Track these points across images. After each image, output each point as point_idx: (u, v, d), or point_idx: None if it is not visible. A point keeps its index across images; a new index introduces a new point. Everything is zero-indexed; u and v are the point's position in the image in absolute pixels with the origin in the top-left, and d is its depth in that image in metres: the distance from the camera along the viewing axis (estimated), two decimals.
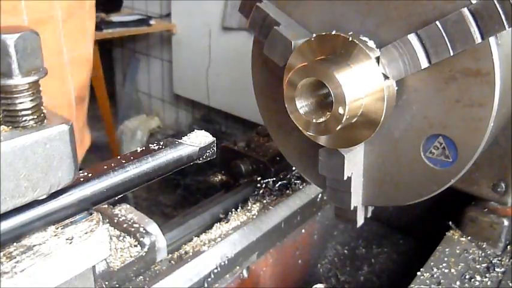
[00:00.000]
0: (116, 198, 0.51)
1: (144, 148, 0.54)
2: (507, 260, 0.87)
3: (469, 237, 0.92)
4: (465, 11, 0.55)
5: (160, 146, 0.54)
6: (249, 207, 0.97)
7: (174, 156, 0.54)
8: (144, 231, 0.78)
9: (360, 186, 0.74)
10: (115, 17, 3.58)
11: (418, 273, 0.84)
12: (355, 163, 0.72)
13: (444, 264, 0.86)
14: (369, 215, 0.82)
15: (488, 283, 0.82)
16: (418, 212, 1.15)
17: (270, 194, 1.02)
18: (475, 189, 0.91)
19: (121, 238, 0.77)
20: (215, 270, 0.83)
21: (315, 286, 0.87)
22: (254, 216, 0.94)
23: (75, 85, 1.26)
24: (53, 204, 0.44)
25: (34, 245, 0.43)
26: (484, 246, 0.90)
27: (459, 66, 0.60)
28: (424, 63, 0.59)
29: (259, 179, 1.04)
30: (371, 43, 0.64)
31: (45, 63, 0.41)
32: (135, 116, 4.30)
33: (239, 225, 0.91)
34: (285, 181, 1.05)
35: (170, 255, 0.83)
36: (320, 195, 1.07)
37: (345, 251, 1.18)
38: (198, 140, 0.58)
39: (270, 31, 0.69)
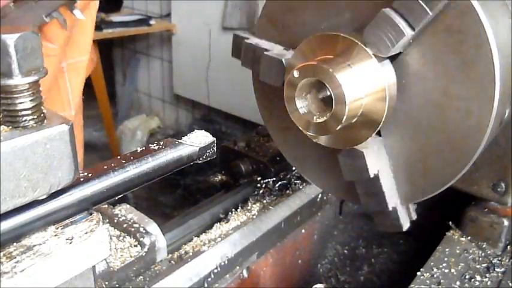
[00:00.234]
0: (116, 198, 0.51)
1: (144, 148, 0.54)
2: (507, 260, 0.87)
3: (469, 237, 0.92)
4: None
5: (160, 146, 0.54)
6: (249, 207, 0.97)
7: (174, 156, 0.54)
8: (144, 231, 0.78)
9: (392, 184, 0.70)
10: (115, 17, 3.58)
11: (418, 273, 0.83)
12: (378, 159, 0.68)
13: (444, 264, 0.86)
14: (414, 216, 0.76)
15: (488, 283, 0.82)
16: (418, 212, 1.15)
17: (270, 194, 1.02)
18: (475, 189, 0.91)
19: (121, 238, 0.77)
20: (215, 270, 0.83)
21: (315, 286, 0.87)
22: (254, 216, 0.94)
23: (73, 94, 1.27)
24: (53, 204, 0.44)
25: (34, 245, 0.42)
26: (484, 246, 0.90)
27: (448, 30, 0.60)
28: (407, 31, 0.58)
29: (259, 179, 1.04)
30: None
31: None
32: (135, 116, 4.29)
33: (239, 225, 0.91)
34: (285, 181, 1.05)
35: (170, 255, 0.83)
36: (320, 195, 1.07)
37: (345, 251, 1.18)
38: (198, 140, 0.58)
39: (259, 58, 0.72)
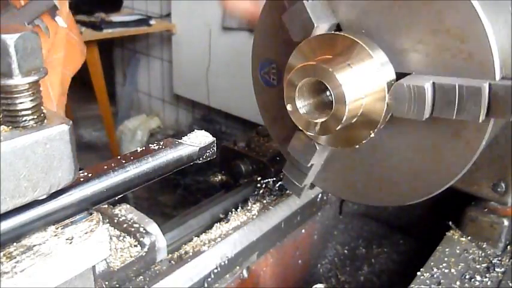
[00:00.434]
0: (116, 198, 0.51)
1: (144, 148, 0.54)
2: (507, 260, 0.87)
3: (469, 237, 0.92)
4: (486, 87, 0.55)
5: (160, 146, 0.54)
6: (249, 207, 0.97)
7: (174, 156, 0.54)
8: (144, 231, 0.78)
9: (316, 171, 0.78)
10: (115, 17, 3.58)
11: (418, 273, 0.83)
12: (321, 154, 0.74)
13: (444, 264, 0.86)
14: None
15: (488, 283, 0.82)
16: (418, 212, 1.15)
17: (270, 194, 1.02)
18: (475, 189, 0.91)
19: (121, 238, 0.77)
20: (215, 270, 0.83)
21: (315, 286, 0.87)
22: (254, 216, 0.94)
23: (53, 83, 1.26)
24: (53, 204, 0.44)
25: (34, 245, 0.42)
26: (484, 246, 0.90)
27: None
28: (426, 115, 0.58)
29: (259, 179, 1.04)
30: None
31: None
32: (135, 116, 4.30)
33: (239, 225, 0.91)
34: None
35: (170, 255, 0.83)
36: (320, 195, 1.07)
37: (345, 251, 1.18)
38: (198, 140, 0.58)
39: None
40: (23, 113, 0.40)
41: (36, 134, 0.40)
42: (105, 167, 0.49)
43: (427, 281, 0.82)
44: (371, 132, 0.64)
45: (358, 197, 0.79)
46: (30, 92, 0.40)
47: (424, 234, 1.07)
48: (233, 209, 0.96)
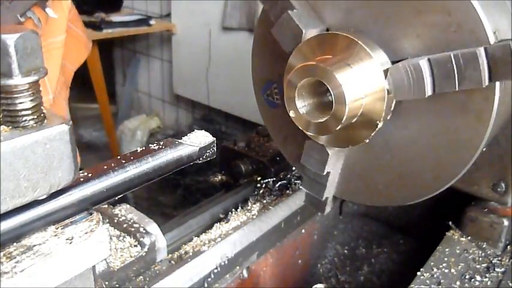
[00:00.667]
0: (116, 198, 0.50)
1: (144, 148, 0.54)
2: (507, 260, 0.87)
3: (469, 237, 0.92)
4: (481, 50, 0.55)
5: (160, 146, 0.54)
6: (249, 207, 0.97)
7: (174, 156, 0.54)
8: (144, 231, 0.78)
9: (335, 181, 0.77)
10: (115, 17, 3.58)
11: (418, 273, 0.83)
12: (336, 161, 0.73)
13: (444, 264, 0.86)
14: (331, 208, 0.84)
15: (488, 283, 0.82)
16: (418, 212, 1.15)
17: (270, 194, 1.02)
18: (475, 189, 0.91)
19: (121, 238, 0.77)
20: (215, 270, 0.83)
21: (315, 286, 0.87)
22: (254, 216, 0.94)
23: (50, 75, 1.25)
24: (53, 204, 0.44)
25: (34, 245, 0.42)
26: (484, 246, 0.90)
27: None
28: (428, 92, 0.58)
29: (259, 179, 1.04)
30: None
31: None
32: (135, 116, 4.29)
33: (239, 225, 0.91)
34: (285, 181, 1.05)
35: (170, 255, 0.83)
36: None
37: (345, 251, 1.18)
38: (198, 140, 0.58)
39: (282, 11, 0.66)
40: (23, 113, 0.40)
41: (36, 134, 0.39)
42: (105, 167, 0.49)
43: (427, 281, 0.82)
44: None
45: (383, 199, 0.75)
46: (30, 92, 0.40)
47: (424, 234, 1.07)
48: (233, 209, 0.96)
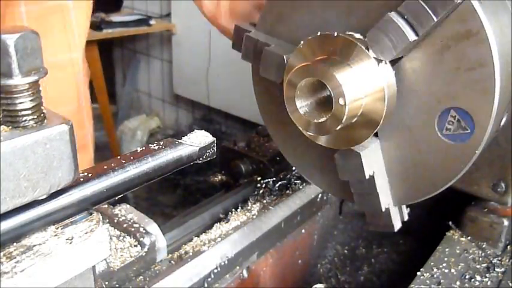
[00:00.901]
0: (116, 198, 0.51)
1: (144, 148, 0.54)
2: (507, 260, 0.87)
3: (469, 237, 0.92)
4: None
5: (160, 146, 0.54)
6: (249, 207, 0.97)
7: (174, 156, 0.54)
8: (144, 231, 0.78)
9: (386, 186, 0.71)
10: (115, 17, 3.58)
11: (418, 273, 0.84)
12: (374, 161, 0.69)
13: (444, 264, 0.86)
14: (406, 217, 0.77)
15: (488, 283, 0.82)
16: (418, 212, 1.15)
17: (270, 194, 1.02)
18: (475, 189, 0.91)
19: (121, 238, 0.77)
20: (215, 270, 0.83)
21: (315, 286, 0.87)
22: (254, 216, 0.94)
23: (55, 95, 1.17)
24: (53, 204, 0.44)
25: (34, 245, 0.42)
26: (484, 246, 0.90)
27: (448, 33, 0.60)
28: (411, 36, 0.58)
29: (259, 179, 1.04)
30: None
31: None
32: (135, 116, 4.30)
33: (239, 225, 0.91)
34: (285, 181, 1.05)
35: (170, 255, 0.83)
36: (320, 195, 1.07)
37: (345, 251, 1.18)
38: (198, 140, 0.58)
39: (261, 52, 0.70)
40: (23, 113, 0.40)
41: (36, 134, 0.39)
42: (105, 167, 0.49)
43: (427, 281, 0.82)
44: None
45: (427, 188, 0.69)
46: (30, 92, 0.40)
47: (424, 234, 1.07)
48: (233, 209, 0.96)
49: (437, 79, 0.63)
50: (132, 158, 0.51)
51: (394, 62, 0.63)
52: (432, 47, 0.62)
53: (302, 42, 0.66)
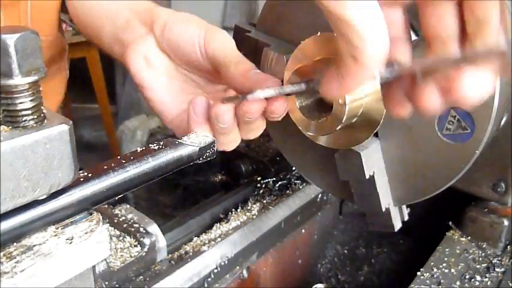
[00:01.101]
0: (116, 198, 0.51)
1: (144, 148, 0.54)
2: (507, 260, 0.87)
3: (469, 237, 0.92)
4: None
5: (160, 146, 0.54)
6: (249, 207, 0.97)
7: (174, 156, 0.54)
8: (144, 231, 0.78)
9: (386, 185, 0.71)
10: None
11: (418, 273, 0.83)
12: (374, 161, 0.69)
13: (444, 264, 0.86)
14: (406, 217, 0.77)
15: (488, 283, 0.82)
16: (418, 212, 1.15)
17: (270, 194, 1.02)
18: (475, 189, 0.91)
19: (121, 238, 0.77)
20: (215, 270, 0.83)
21: (315, 286, 0.87)
22: (254, 216, 0.94)
23: None
24: (53, 204, 0.44)
25: (34, 245, 0.42)
26: (484, 246, 0.90)
27: None
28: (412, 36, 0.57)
29: (259, 179, 1.04)
30: None
31: None
32: (135, 116, 4.29)
33: (239, 225, 0.91)
34: (285, 181, 1.05)
35: (170, 255, 0.83)
36: (320, 195, 1.07)
37: (345, 251, 1.18)
38: (198, 140, 0.58)
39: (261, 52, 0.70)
40: (23, 113, 0.40)
41: (36, 134, 0.39)
42: (105, 167, 0.49)
43: (427, 281, 0.82)
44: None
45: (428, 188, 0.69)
46: (30, 92, 0.40)
47: (424, 234, 1.07)
48: (233, 209, 0.96)
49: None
50: (132, 158, 0.51)
51: None
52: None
53: (302, 42, 0.66)
